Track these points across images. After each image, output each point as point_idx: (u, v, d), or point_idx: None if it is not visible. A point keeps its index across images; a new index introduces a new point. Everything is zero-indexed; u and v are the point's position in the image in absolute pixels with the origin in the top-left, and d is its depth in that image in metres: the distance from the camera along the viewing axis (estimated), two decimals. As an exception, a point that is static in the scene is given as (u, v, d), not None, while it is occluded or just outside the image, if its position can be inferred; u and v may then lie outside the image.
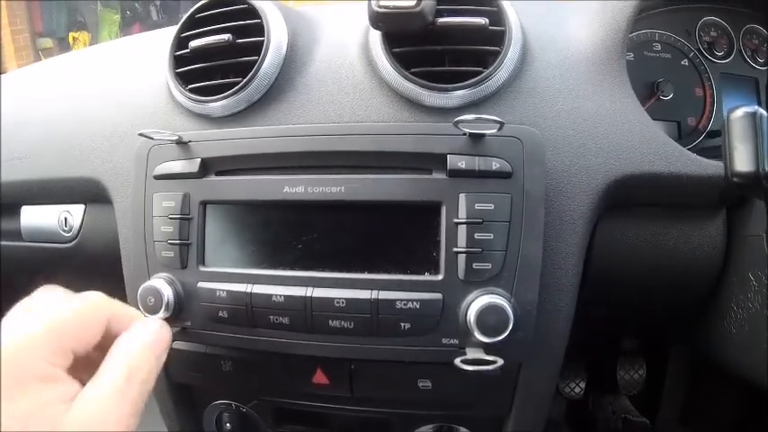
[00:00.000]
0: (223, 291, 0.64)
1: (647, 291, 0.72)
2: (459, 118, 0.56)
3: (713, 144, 0.78)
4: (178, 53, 0.72)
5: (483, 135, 0.59)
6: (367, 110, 0.66)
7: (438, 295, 0.60)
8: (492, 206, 0.59)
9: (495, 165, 0.59)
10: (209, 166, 0.66)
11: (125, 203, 0.74)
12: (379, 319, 0.60)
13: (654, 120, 0.77)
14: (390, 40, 0.64)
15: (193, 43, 0.70)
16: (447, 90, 0.63)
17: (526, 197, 0.59)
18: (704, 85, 0.79)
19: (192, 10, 0.73)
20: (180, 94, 0.71)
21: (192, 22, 0.73)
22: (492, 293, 0.58)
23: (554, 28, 0.70)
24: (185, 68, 0.71)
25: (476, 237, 0.59)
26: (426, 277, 0.60)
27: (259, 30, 0.69)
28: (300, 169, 0.64)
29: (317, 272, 0.63)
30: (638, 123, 0.63)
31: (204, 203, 0.66)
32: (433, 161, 0.60)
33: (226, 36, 0.68)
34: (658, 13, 0.79)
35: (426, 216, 0.60)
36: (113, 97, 0.80)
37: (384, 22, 0.61)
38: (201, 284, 0.65)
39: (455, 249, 0.59)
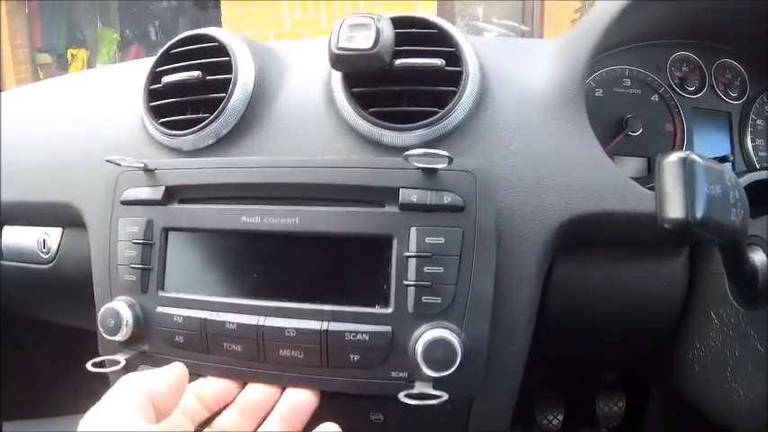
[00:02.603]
0: (180, 316, 0.65)
1: (608, 328, 0.72)
2: (407, 153, 0.57)
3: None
4: (152, 87, 0.74)
5: (435, 170, 0.59)
6: (327, 148, 0.67)
7: (387, 328, 0.60)
8: (442, 240, 0.59)
9: (447, 198, 0.59)
10: (173, 194, 0.67)
11: (97, 228, 0.75)
12: (329, 350, 0.61)
13: (623, 156, 0.78)
14: (350, 81, 0.66)
15: (166, 79, 0.72)
16: (404, 130, 0.64)
17: (478, 231, 0.59)
18: (674, 120, 0.80)
19: (166, 46, 0.75)
20: (152, 128, 0.72)
21: (166, 58, 0.75)
22: (441, 327, 0.58)
23: (514, 66, 0.71)
24: (158, 102, 0.73)
25: (426, 270, 0.59)
26: (376, 310, 0.60)
27: (228, 67, 0.71)
28: (258, 200, 0.65)
29: (271, 301, 0.63)
30: (595, 162, 0.64)
31: (167, 230, 0.67)
32: (386, 195, 0.61)
33: (196, 73, 0.70)
34: (629, 48, 0.80)
35: (378, 249, 0.61)
36: (91, 126, 0.82)
37: (343, 63, 0.62)
38: (160, 309, 0.66)
39: (405, 282, 0.59)
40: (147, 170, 0.68)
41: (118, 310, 0.65)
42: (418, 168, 0.60)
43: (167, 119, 0.72)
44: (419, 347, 0.57)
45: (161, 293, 0.66)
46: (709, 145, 0.80)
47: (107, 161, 0.67)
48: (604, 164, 0.64)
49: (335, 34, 0.62)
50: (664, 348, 0.72)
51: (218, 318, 0.63)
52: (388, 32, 0.61)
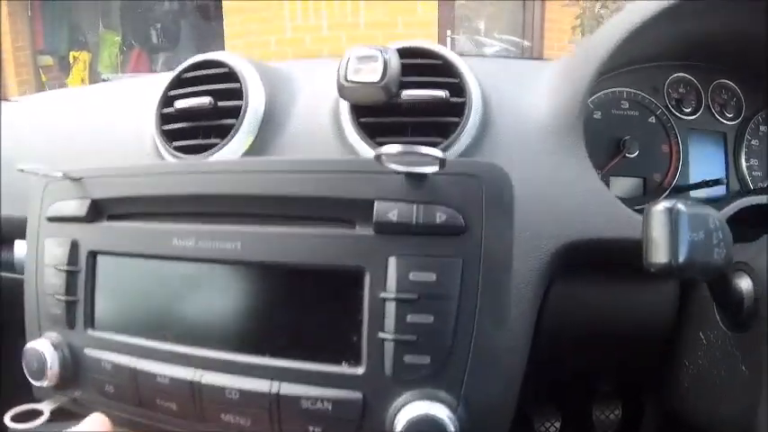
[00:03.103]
0: (108, 362, 0.56)
1: (602, 346, 0.74)
2: (380, 150, 0.45)
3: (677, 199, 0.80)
4: (164, 111, 0.76)
5: (424, 175, 0.47)
6: None
7: (357, 394, 0.48)
8: (434, 276, 0.46)
9: (441, 216, 0.47)
10: (101, 209, 0.60)
11: (29, 249, 0.67)
12: (281, 421, 0.49)
13: (619, 176, 0.80)
14: (357, 111, 0.67)
15: (179, 104, 0.73)
16: None
17: (485, 261, 0.47)
18: (670, 141, 0.81)
19: (178, 70, 0.77)
20: (165, 150, 0.74)
21: (177, 82, 0.77)
22: (430, 398, 0.46)
23: (515, 94, 0.72)
24: (171, 126, 0.75)
25: (409, 319, 0.46)
26: (343, 369, 0.48)
27: (239, 93, 0.72)
28: (194, 217, 0.56)
29: (209, 349, 0.53)
30: (591, 190, 0.65)
31: (94, 253, 0.59)
32: (356, 210, 0.49)
33: (207, 99, 0.71)
34: (627, 71, 0.82)
35: (344, 286, 0.49)
36: (102, 144, 0.83)
37: (351, 94, 0.64)
38: (88, 351, 0.58)
39: (381, 335, 0.47)
40: (72, 179, 0.60)
41: (41, 351, 0.57)
42: (399, 173, 0.48)
43: (180, 143, 0.73)
44: (398, 424, 0.45)
45: (90, 332, 0.59)
46: (704, 165, 0.82)
47: (19, 170, 0.60)
48: (599, 191, 0.65)
49: (343, 66, 0.63)
50: (655, 365, 0.74)
51: (149, 368, 0.54)
52: (395, 64, 0.63)
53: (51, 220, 0.62)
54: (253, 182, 0.53)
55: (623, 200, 0.74)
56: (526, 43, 4.36)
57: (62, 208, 0.61)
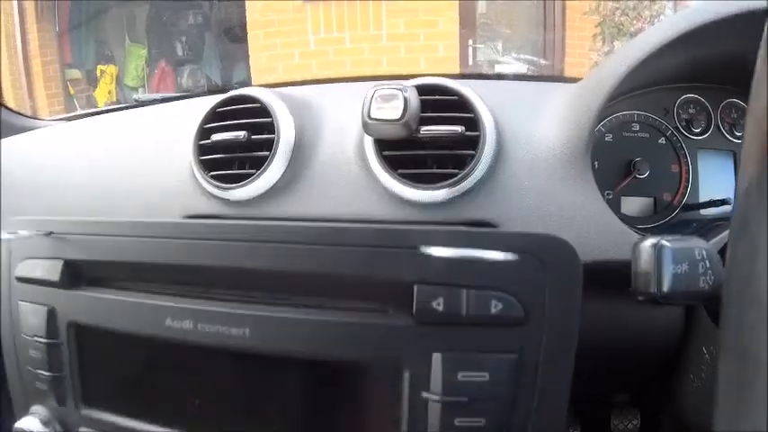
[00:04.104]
0: None
1: (611, 361, 0.77)
2: (424, 228, 0.41)
3: (687, 218, 0.83)
4: (201, 142, 0.80)
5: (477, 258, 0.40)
6: (360, 203, 0.72)
7: None
8: (486, 376, 0.41)
9: (497, 305, 0.41)
10: (77, 272, 0.53)
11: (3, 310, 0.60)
12: None
13: (630, 197, 0.84)
14: (381, 144, 0.71)
15: (216, 137, 0.78)
16: (430, 189, 0.69)
17: (545, 356, 0.42)
18: (680, 161, 0.84)
19: (213, 105, 0.82)
20: (202, 179, 0.79)
21: (213, 115, 0.82)
22: None
23: (527, 124, 0.75)
24: (208, 157, 0.79)
25: (457, 423, 0.41)
26: None
27: (271, 127, 0.77)
28: (192, 290, 0.49)
29: None
30: (598, 215, 0.68)
31: (75, 324, 0.53)
32: (390, 294, 0.43)
33: (242, 133, 0.76)
34: (637, 94, 0.84)
35: (378, 384, 0.43)
36: (138, 171, 0.86)
37: (374, 130, 0.68)
38: (83, 431, 0.53)
39: None
40: (43, 234, 0.53)
41: (29, 431, 0.53)
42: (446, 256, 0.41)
43: (216, 173, 0.78)
44: None
45: (83, 411, 0.53)
46: (713, 184, 0.85)
47: None
48: (605, 215, 0.68)
49: (367, 104, 0.68)
50: (665, 377, 0.77)
51: None
52: (414, 102, 0.68)
53: (22, 280, 0.55)
54: (263, 253, 0.45)
55: (633, 218, 0.78)
56: (543, 62, 4.36)
57: (33, 268, 0.54)
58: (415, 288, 0.41)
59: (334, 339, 0.42)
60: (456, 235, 0.41)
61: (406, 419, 0.41)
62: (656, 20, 4.08)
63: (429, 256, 0.40)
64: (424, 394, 0.41)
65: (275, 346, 0.44)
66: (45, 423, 0.53)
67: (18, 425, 0.53)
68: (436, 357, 0.40)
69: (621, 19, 4.07)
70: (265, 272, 0.45)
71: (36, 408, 0.55)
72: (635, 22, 4.06)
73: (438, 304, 0.40)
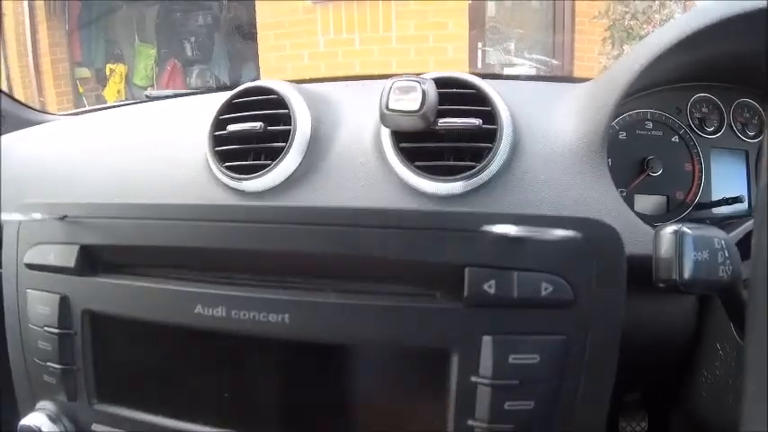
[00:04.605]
0: None
1: (624, 355, 0.77)
2: (482, 215, 0.40)
3: (700, 216, 0.83)
4: (217, 133, 0.81)
5: (527, 239, 0.40)
6: (377, 195, 0.72)
7: None
8: (537, 358, 0.41)
9: (547, 287, 0.41)
10: (94, 258, 0.50)
11: (6, 298, 0.58)
12: None
13: (643, 194, 0.84)
14: (397, 136, 0.72)
15: (231, 127, 0.78)
16: (446, 181, 0.69)
17: (591, 337, 0.43)
18: (693, 160, 0.85)
19: (229, 96, 0.83)
20: (217, 170, 0.79)
21: (229, 107, 0.82)
22: None
23: (543, 119, 0.75)
24: (223, 148, 0.79)
25: (507, 407, 0.41)
26: None
27: (287, 119, 0.78)
28: (222, 273, 0.47)
29: None
30: (614, 209, 0.68)
31: (91, 313, 0.50)
32: (439, 277, 0.43)
33: (258, 124, 0.77)
34: (651, 93, 0.85)
35: (425, 368, 0.43)
36: (154, 164, 0.86)
37: (392, 122, 0.69)
38: (97, 428, 0.50)
39: (471, 423, 0.41)
40: (57, 218, 0.50)
41: (36, 427, 0.50)
42: (499, 235, 0.40)
43: (232, 163, 0.78)
44: None
45: (96, 406, 0.50)
46: (726, 183, 0.85)
47: None
48: (620, 210, 0.68)
49: (385, 95, 0.69)
50: (677, 374, 0.77)
51: None
52: (432, 94, 0.68)
53: (32, 267, 0.52)
54: (305, 237, 0.44)
55: (647, 216, 0.79)
56: (555, 62, 4.36)
57: (44, 254, 0.51)
58: (467, 271, 0.41)
59: (380, 325, 0.42)
60: (506, 218, 0.41)
61: (454, 404, 0.41)
62: (665, 23, 4.08)
63: (480, 239, 0.40)
64: (474, 378, 0.40)
65: (318, 332, 0.43)
66: (53, 420, 0.50)
67: (24, 422, 0.50)
68: (486, 340, 0.40)
69: (631, 23, 4.08)
70: (306, 256, 0.44)
71: (43, 403, 0.52)
72: (644, 26, 4.06)
73: (489, 287, 0.40)
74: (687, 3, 4.12)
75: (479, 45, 4.33)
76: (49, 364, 0.50)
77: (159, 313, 0.46)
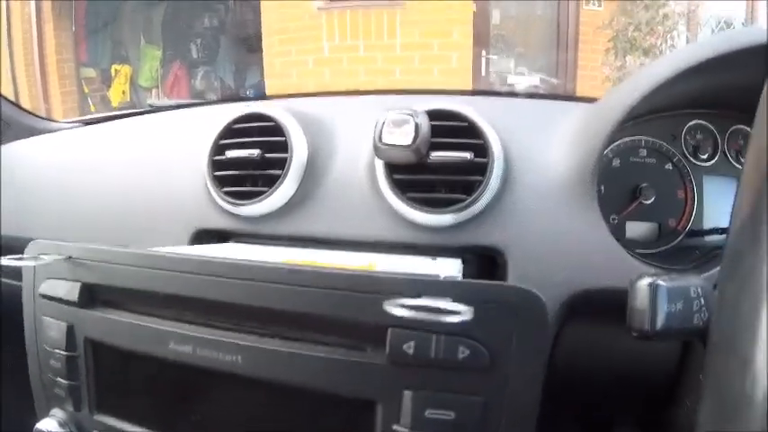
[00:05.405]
0: None
1: (610, 386, 0.78)
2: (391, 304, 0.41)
3: (691, 244, 0.83)
4: (216, 158, 0.82)
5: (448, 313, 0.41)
6: (371, 224, 0.74)
7: None
8: (452, 414, 0.43)
9: (464, 351, 0.43)
10: (94, 294, 0.57)
11: (26, 319, 0.65)
12: None
13: (635, 221, 0.84)
14: (391, 168, 0.73)
15: (230, 153, 0.80)
16: (438, 213, 0.70)
17: (509, 402, 0.44)
18: (686, 187, 0.85)
19: (228, 121, 0.84)
20: (216, 194, 0.81)
21: (228, 132, 0.84)
22: None
23: (535, 149, 0.76)
24: (222, 173, 0.81)
25: None
26: None
27: (284, 146, 0.79)
28: (195, 318, 0.53)
29: None
30: (601, 242, 0.69)
31: (91, 341, 0.57)
32: (369, 334, 0.45)
33: (256, 151, 0.78)
34: (646, 120, 0.85)
35: (354, 414, 0.46)
36: (152, 180, 0.88)
37: (385, 155, 0.70)
38: None
39: None
40: (64, 258, 0.57)
41: None
42: (419, 295, 0.42)
43: (230, 189, 0.80)
44: None
45: (96, 417, 0.58)
46: (718, 210, 0.85)
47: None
48: (607, 243, 0.69)
49: (378, 129, 0.70)
50: (662, 404, 0.78)
51: None
52: (425, 128, 0.69)
53: (45, 297, 0.60)
54: (254, 292, 0.48)
55: (637, 243, 0.79)
56: (555, 81, 4.36)
57: (54, 288, 0.58)
58: (389, 331, 0.44)
59: (315, 371, 0.46)
60: (429, 284, 0.43)
61: None
62: (668, 36, 4.09)
63: (402, 303, 0.42)
64: (395, 427, 0.44)
65: (263, 373, 0.48)
66: (62, 425, 0.58)
67: (39, 425, 0.59)
68: (406, 395, 0.44)
69: (634, 34, 4.08)
70: (257, 308, 0.49)
71: (55, 411, 0.60)
72: (647, 37, 4.06)
73: (409, 347, 0.43)
74: (690, 16, 4.12)
75: (483, 53, 4.33)
76: (58, 379, 0.58)
77: (142, 346, 0.53)
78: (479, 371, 0.44)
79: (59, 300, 0.58)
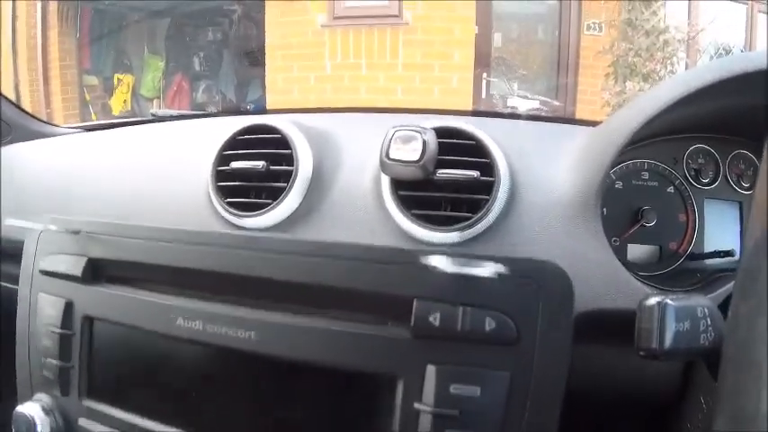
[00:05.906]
0: None
1: (612, 406, 0.78)
2: (431, 252, 0.42)
3: (691, 267, 0.84)
4: (220, 168, 0.82)
5: (475, 277, 0.42)
6: (374, 240, 0.72)
7: None
8: (477, 390, 0.42)
9: (491, 323, 0.43)
10: (99, 270, 0.57)
11: (21, 300, 0.64)
12: None
13: (636, 244, 0.85)
14: (397, 184, 0.73)
15: (235, 164, 0.80)
16: (443, 231, 0.70)
17: (536, 376, 0.43)
18: (687, 210, 0.85)
19: (233, 132, 0.84)
20: (219, 205, 0.80)
21: (233, 142, 0.83)
22: None
23: (540, 170, 0.76)
24: (225, 184, 0.81)
25: None
26: None
27: (290, 158, 0.79)
28: (204, 293, 0.52)
29: None
30: (605, 264, 0.69)
31: (90, 318, 0.56)
32: (391, 307, 0.45)
33: (261, 163, 0.78)
34: (649, 143, 0.86)
35: (372, 392, 0.44)
36: (155, 188, 0.88)
37: (392, 170, 0.70)
38: (83, 422, 0.55)
39: None
40: (69, 232, 0.57)
41: (31, 416, 0.55)
42: (446, 272, 0.43)
43: (233, 200, 0.79)
44: None
45: (85, 402, 0.56)
46: (719, 234, 0.86)
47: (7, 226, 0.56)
48: (611, 264, 0.69)
49: (386, 144, 0.70)
50: (663, 424, 0.77)
51: None
52: (433, 145, 0.69)
53: (45, 273, 0.58)
54: (273, 263, 0.48)
55: (638, 266, 0.79)
56: (557, 103, 4.38)
57: (57, 263, 0.58)
58: (414, 302, 0.43)
59: (333, 346, 0.45)
60: (456, 257, 0.43)
61: (398, 429, 0.43)
62: (668, 62, 4.11)
63: (429, 273, 0.42)
64: (417, 405, 0.42)
65: (279, 349, 0.46)
66: (47, 411, 0.55)
67: (20, 408, 0.56)
68: (430, 369, 0.42)
69: (634, 60, 4.10)
70: (274, 281, 0.48)
71: (40, 395, 0.57)
72: (647, 63, 4.08)
73: (434, 319, 0.42)
74: (690, 43, 4.15)
75: (484, 76, 4.35)
76: (48, 360, 0.56)
77: (147, 322, 0.52)
78: (506, 344, 0.43)
79: (61, 275, 0.57)
